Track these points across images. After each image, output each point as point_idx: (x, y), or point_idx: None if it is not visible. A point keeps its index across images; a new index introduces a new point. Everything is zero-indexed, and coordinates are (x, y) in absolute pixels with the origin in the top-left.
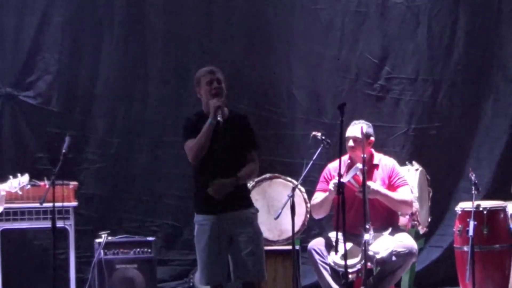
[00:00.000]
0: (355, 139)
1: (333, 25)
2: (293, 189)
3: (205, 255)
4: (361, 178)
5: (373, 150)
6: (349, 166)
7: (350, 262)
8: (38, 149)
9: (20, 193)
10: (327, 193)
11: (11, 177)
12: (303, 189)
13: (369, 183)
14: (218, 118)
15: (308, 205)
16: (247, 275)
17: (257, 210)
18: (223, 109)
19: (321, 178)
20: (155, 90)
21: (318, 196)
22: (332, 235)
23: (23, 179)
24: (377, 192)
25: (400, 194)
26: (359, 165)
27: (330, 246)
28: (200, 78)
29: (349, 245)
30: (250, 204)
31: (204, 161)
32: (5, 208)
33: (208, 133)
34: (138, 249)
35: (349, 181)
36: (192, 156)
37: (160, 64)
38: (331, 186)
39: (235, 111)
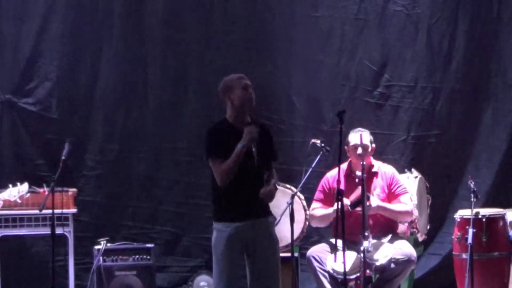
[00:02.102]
0: (364, 147)
1: (332, 32)
2: (292, 197)
3: (223, 262)
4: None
5: (371, 158)
6: (348, 175)
7: (349, 269)
8: (38, 156)
9: (20, 201)
10: (328, 210)
11: (10, 185)
12: (302, 196)
13: (370, 201)
14: (253, 149)
15: (307, 212)
16: (263, 283)
17: (275, 219)
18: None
19: (319, 187)
20: (154, 96)
21: (317, 207)
22: (334, 241)
23: (23, 187)
24: (379, 208)
25: (401, 206)
26: (360, 173)
27: (333, 249)
28: (233, 84)
29: (353, 254)
30: (269, 212)
31: None
32: (4, 215)
33: (239, 158)
34: (137, 256)
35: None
36: (221, 181)
37: (159, 71)
38: (335, 207)
39: (257, 119)
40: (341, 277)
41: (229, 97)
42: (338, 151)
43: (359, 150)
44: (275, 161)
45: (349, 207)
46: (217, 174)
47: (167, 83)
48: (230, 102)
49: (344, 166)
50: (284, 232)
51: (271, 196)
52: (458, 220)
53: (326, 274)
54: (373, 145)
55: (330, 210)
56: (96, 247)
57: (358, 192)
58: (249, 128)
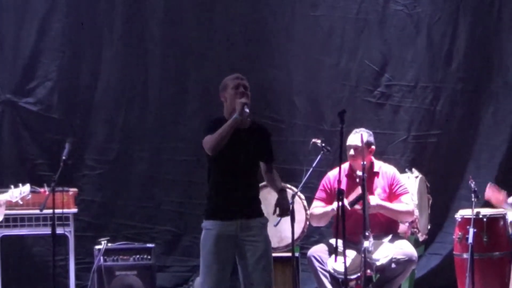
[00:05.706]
0: (355, 148)
1: (333, 32)
2: (293, 196)
3: (209, 261)
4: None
5: (373, 158)
6: (349, 175)
7: (350, 269)
8: (38, 156)
9: (21, 203)
10: (327, 208)
11: (12, 186)
12: (302, 196)
13: (370, 199)
14: (245, 109)
15: (308, 212)
16: (254, 283)
17: (267, 220)
18: (249, 107)
19: (321, 186)
20: (155, 96)
21: (318, 206)
22: (334, 241)
23: (24, 189)
24: (379, 207)
25: (401, 205)
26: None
27: (332, 252)
28: (227, 83)
29: (352, 253)
30: (261, 213)
31: (224, 167)
32: (5, 215)
33: (232, 126)
34: (138, 256)
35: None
36: (210, 146)
37: (160, 70)
38: (334, 206)
39: (258, 122)
40: (342, 277)
41: (223, 95)
42: (338, 151)
43: (351, 152)
44: (271, 161)
45: (347, 206)
46: (206, 143)
47: (167, 83)
48: (224, 100)
49: (345, 166)
50: (284, 232)
51: (286, 205)
52: (459, 220)
53: (327, 274)
54: (373, 147)
55: (329, 208)
56: (97, 247)
57: (357, 192)
58: (239, 100)
